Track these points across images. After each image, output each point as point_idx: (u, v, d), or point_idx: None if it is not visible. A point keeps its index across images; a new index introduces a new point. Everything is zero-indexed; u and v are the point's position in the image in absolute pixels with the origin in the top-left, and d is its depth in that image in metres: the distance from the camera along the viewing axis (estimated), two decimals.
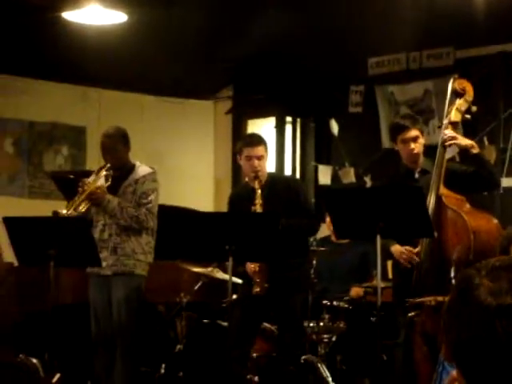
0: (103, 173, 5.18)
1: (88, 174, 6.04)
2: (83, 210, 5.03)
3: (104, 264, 5.13)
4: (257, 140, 5.28)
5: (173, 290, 6.01)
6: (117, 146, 5.25)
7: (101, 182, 5.16)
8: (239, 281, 5.55)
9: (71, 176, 6.28)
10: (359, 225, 4.64)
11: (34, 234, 4.86)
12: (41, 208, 7.37)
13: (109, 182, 5.20)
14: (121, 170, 5.27)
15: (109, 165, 5.20)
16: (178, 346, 5.72)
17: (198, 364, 5.60)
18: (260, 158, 5.13)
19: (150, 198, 5.22)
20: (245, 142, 5.31)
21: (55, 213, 4.89)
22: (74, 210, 4.93)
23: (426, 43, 6.93)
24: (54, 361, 4.87)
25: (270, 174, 5.32)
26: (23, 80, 7.80)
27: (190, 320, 5.92)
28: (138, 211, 5.17)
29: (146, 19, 6.48)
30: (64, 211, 4.90)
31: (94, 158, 8.22)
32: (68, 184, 6.15)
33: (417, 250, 4.60)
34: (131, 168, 5.32)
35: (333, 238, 6.17)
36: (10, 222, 4.96)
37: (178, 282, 6.18)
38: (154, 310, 6.29)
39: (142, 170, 5.32)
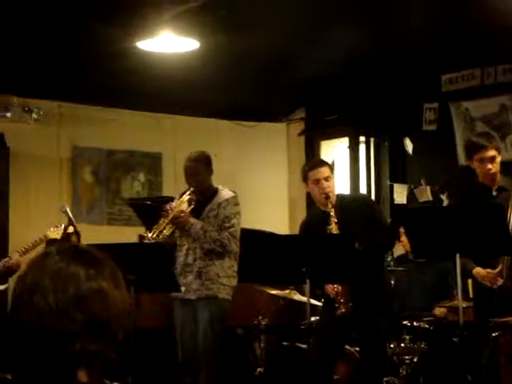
0: (187, 197, 5.24)
1: (165, 199, 6.13)
2: (167, 234, 5.09)
3: (188, 288, 5.18)
4: (320, 162, 5.34)
5: (251, 312, 6.03)
6: (200, 170, 5.31)
7: (184, 206, 5.22)
8: (317, 303, 5.53)
9: (148, 202, 6.38)
10: (437, 244, 4.57)
11: (115, 261, 4.93)
12: (119, 234, 7.53)
13: (192, 206, 5.25)
14: (204, 194, 5.32)
15: (192, 189, 5.25)
16: (259, 369, 5.73)
17: None
18: (327, 178, 5.11)
19: (232, 222, 5.25)
20: (308, 167, 5.30)
21: (141, 236, 4.97)
22: (159, 233, 4.99)
23: (501, 58, 6.82)
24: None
25: (338, 195, 5.29)
26: (100, 109, 8.00)
27: (269, 343, 5.92)
28: (220, 235, 5.20)
29: (218, 45, 6.55)
30: (149, 234, 4.96)
31: (169, 184, 8.36)
32: (146, 210, 6.25)
33: (498, 269, 4.50)
34: (214, 192, 5.37)
35: (410, 257, 6.10)
36: None
37: (255, 304, 6.20)
38: (233, 333, 6.31)
39: (225, 193, 5.36)
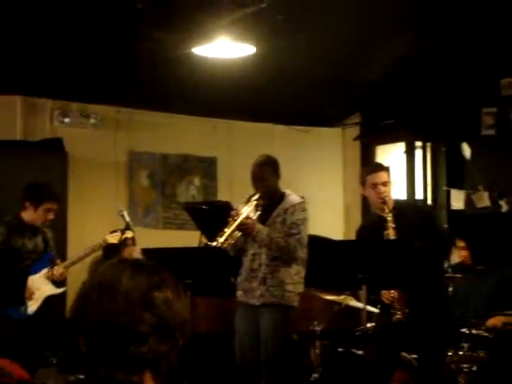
0: (253, 202, 5.18)
1: (220, 204, 6.15)
2: (233, 241, 5.06)
3: (253, 294, 5.17)
4: (379, 167, 5.27)
5: (306, 318, 6.01)
6: (267, 174, 5.24)
7: (251, 211, 5.17)
8: (373, 309, 5.49)
9: (204, 207, 6.40)
10: (497, 250, 4.48)
11: (168, 265, 4.97)
12: (175, 238, 7.58)
13: (259, 211, 5.22)
14: (271, 199, 5.26)
15: (259, 193, 5.20)
16: (314, 375, 5.70)
17: None
18: (385, 183, 5.07)
19: (299, 229, 5.17)
20: (367, 170, 5.27)
21: (206, 245, 4.98)
22: (225, 240, 4.96)
23: None
24: None
25: (396, 201, 5.25)
26: (156, 114, 8.07)
27: (324, 349, 5.89)
28: (287, 241, 5.14)
29: (274, 50, 6.56)
30: (220, 239, 4.90)
31: (224, 188, 8.39)
32: (201, 214, 6.28)
33: None
34: (281, 197, 5.30)
35: (467, 264, 6.00)
36: (148, 254, 5.11)
37: (311, 310, 6.17)
38: (288, 338, 6.29)
39: (292, 199, 5.29)
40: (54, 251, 5.83)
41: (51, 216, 5.64)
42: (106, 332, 1.52)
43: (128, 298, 1.54)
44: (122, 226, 6.03)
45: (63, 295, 6.30)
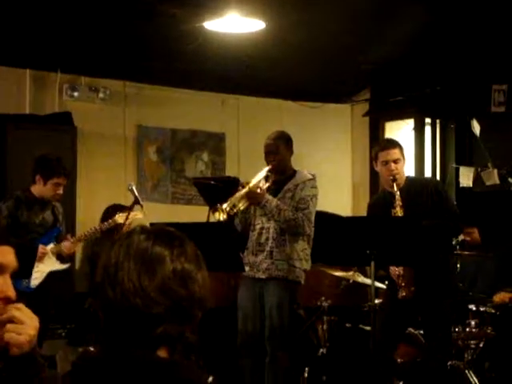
0: (264, 173, 5.20)
1: (229, 179, 6.15)
2: (241, 209, 5.06)
3: (259, 267, 5.19)
4: (391, 143, 5.25)
5: (313, 293, 6.02)
6: (279, 148, 5.28)
7: (261, 182, 5.19)
8: (380, 285, 5.50)
9: (212, 182, 6.41)
10: (506, 228, 4.49)
11: None
12: (183, 213, 7.61)
13: (269, 183, 5.23)
14: (282, 174, 5.29)
15: (270, 166, 5.22)
16: (321, 350, 5.72)
17: (341, 368, 5.59)
18: (396, 161, 5.07)
19: (308, 204, 5.19)
20: (379, 146, 5.26)
21: (214, 209, 4.94)
22: (233, 207, 4.95)
23: None
24: (201, 362, 4.97)
25: (407, 178, 5.25)
26: (165, 89, 8.06)
27: (331, 324, 5.91)
28: (295, 215, 5.15)
29: (284, 26, 6.53)
30: (224, 205, 4.91)
31: (233, 164, 8.40)
32: (209, 189, 6.29)
33: None
34: (292, 173, 5.33)
35: (469, 243, 6.01)
36: None
37: (318, 285, 6.19)
38: (295, 313, 6.32)
39: (303, 175, 5.32)
40: (63, 226, 5.82)
41: (60, 191, 5.63)
42: (121, 310, 1.52)
43: (143, 279, 1.53)
44: (131, 200, 6.04)
45: (71, 269, 6.34)
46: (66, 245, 5.64)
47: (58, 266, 5.67)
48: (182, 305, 1.54)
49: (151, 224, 5.14)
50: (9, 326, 1.93)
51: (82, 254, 7.34)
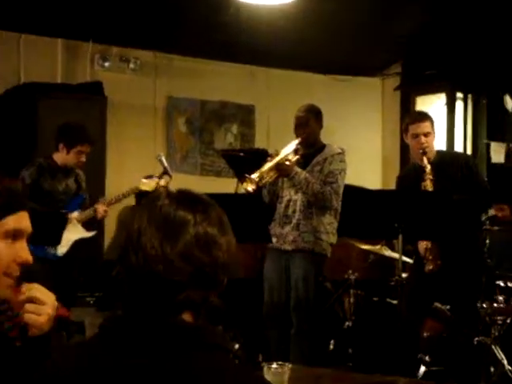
0: (294, 146, 5.17)
1: (258, 151, 6.15)
2: (270, 180, 5.06)
3: (285, 239, 5.20)
4: (422, 116, 5.20)
5: (341, 267, 6.03)
6: (309, 121, 5.26)
7: (290, 154, 5.16)
8: (408, 259, 5.49)
9: (241, 154, 6.40)
10: None
11: None
12: (212, 185, 7.61)
13: (298, 156, 5.20)
14: (311, 148, 5.28)
15: (300, 139, 5.20)
16: (347, 323, 5.74)
17: (367, 341, 5.60)
18: (427, 134, 5.03)
19: (336, 178, 5.17)
20: (410, 119, 5.23)
21: (242, 178, 4.92)
22: (262, 178, 4.92)
23: None
24: (228, 332, 5.01)
25: (438, 151, 5.21)
26: (195, 60, 8.06)
27: (357, 297, 5.92)
28: (323, 189, 5.14)
29: None
30: (252, 176, 4.87)
31: (262, 136, 8.39)
32: (238, 161, 6.29)
33: None
34: (322, 147, 5.32)
35: (500, 218, 5.96)
36: None
37: (346, 259, 6.20)
38: (322, 286, 6.33)
39: (332, 149, 5.30)
40: (86, 193, 5.78)
41: (83, 158, 5.59)
42: (143, 275, 1.52)
43: (165, 245, 1.51)
44: (160, 171, 6.06)
45: (100, 237, 6.38)
46: (99, 208, 5.62)
47: (84, 233, 5.63)
48: (205, 271, 1.52)
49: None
50: (28, 306, 1.92)
51: (112, 221, 7.39)
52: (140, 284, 1.52)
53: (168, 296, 1.51)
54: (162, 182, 5.86)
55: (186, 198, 1.58)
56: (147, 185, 5.74)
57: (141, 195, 5.98)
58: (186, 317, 1.53)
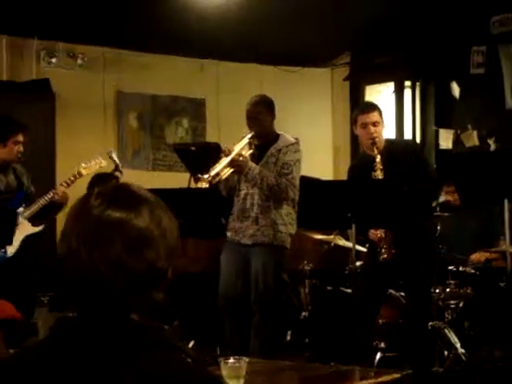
0: (246, 140, 5.15)
1: (210, 145, 6.13)
2: (224, 177, 5.04)
3: (244, 233, 5.19)
4: (370, 107, 5.26)
5: (296, 257, 6.06)
6: (261, 114, 5.22)
7: (244, 149, 5.14)
8: (361, 248, 5.55)
9: (193, 148, 6.38)
10: (485, 189, 4.52)
11: None
12: (164, 180, 7.59)
13: (252, 150, 5.20)
14: (264, 139, 5.25)
15: (253, 133, 5.17)
16: (303, 313, 5.78)
17: (323, 330, 5.65)
18: (375, 124, 5.08)
19: (291, 169, 5.17)
20: (358, 110, 5.29)
21: (196, 178, 4.89)
22: (216, 176, 4.92)
23: None
24: (184, 327, 5.02)
25: (387, 140, 5.27)
26: (144, 55, 7.99)
27: (313, 287, 5.96)
28: (278, 181, 5.14)
29: None
30: (205, 176, 4.85)
31: (213, 129, 8.37)
32: (190, 156, 6.27)
33: None
34: (275, 137, 5.29)
35: (453, 203, 6.07)
36: None
37: (300, 249, 6.23)
38: (279, 278, 6.36)
39: (286, 139, 5.28)
40: (29, 187, 5.63)
41: (21, 148, 5.46)
42: (82, 283, 1.48)
43: (100, 254, 1.46)
44: (112, 167, 6.02)
45: (52, 232, 6.27)
46: (58, 192, 5.49)
47: (31, 229, 5.51)
48: (139, 275, 1.47)
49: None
50: None
51: (64, 215, 7.31)
52: (82, 289, 1.50)
53: (110, 301, 1.48)
54: (103, 163, 5.79)
55: (117, 196, 1.52)
56: (88, 168, 5.67)
57: (95, 182, 5.85)
58: (135, 317, 1.51)
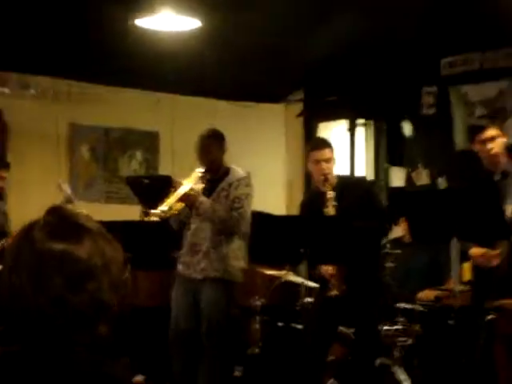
0: (197, 174, 5.16)
1: (162, 178, 6.11)
2: (175, 212, 5.02)
3: (195, 268, 5.17)
4: (322, 143, 5.30)
5: (246, 293, 6.04)
6: (212, 147, 5.24)
7: (195, 183, 5.14)
8: (312, 284, 5.55)
9: (146, 181, 6.36)
10: (434, 227, 4.58)
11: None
12: (117, 212, 7.52)
13: (203, 185, 5.20)
14: (216, 173, 5.26)
15: (203, 168, 5.19)
16: (254, 349, 5.75)
17: (274, 367, 5.62)
18: (327, 160, 5.13)
19: (242, 203, 5.17)
20: (311, 146, 5.34)
21: (145, 212, 4.87)
22: (168, 209, 4.89)
23: (501, 41, 6.79)
24: (132, 362, 4.95)
25: (339, 177, 5.31)
26: (98, 87, 7.97)
27: (264, 323, 5.94)
28: (229, 215, 5.14)
29: (219, 25, 6.52)
30: (157, 210, 4.83)
31: (167, 163, 8.36)
32: (142, 189, 6.24)
33: (496, 251, 4.52)
34: (226, 171, 5.30)
35: (405, 239, 6.13)
36: None
37: (251, 285, 6.21)
38: (229, 313, 6.32)
39: (237, 174, 5.30)
40: None
41: (2, 184, 5.41)
42: (26, 319, 1.46)
43: (40, 292, 1.44)
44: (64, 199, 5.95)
45: None
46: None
47: None
48: (81, 310, 1.44)
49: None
50: None
51: None
52: (24, 323, 1.47)
53: (52, 335, 1.46)
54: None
55: (61, 226, 1.49)
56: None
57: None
58: (80, 349, 1.48)
